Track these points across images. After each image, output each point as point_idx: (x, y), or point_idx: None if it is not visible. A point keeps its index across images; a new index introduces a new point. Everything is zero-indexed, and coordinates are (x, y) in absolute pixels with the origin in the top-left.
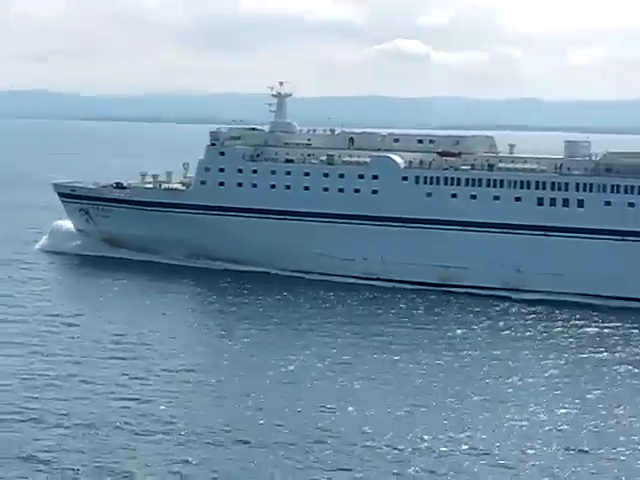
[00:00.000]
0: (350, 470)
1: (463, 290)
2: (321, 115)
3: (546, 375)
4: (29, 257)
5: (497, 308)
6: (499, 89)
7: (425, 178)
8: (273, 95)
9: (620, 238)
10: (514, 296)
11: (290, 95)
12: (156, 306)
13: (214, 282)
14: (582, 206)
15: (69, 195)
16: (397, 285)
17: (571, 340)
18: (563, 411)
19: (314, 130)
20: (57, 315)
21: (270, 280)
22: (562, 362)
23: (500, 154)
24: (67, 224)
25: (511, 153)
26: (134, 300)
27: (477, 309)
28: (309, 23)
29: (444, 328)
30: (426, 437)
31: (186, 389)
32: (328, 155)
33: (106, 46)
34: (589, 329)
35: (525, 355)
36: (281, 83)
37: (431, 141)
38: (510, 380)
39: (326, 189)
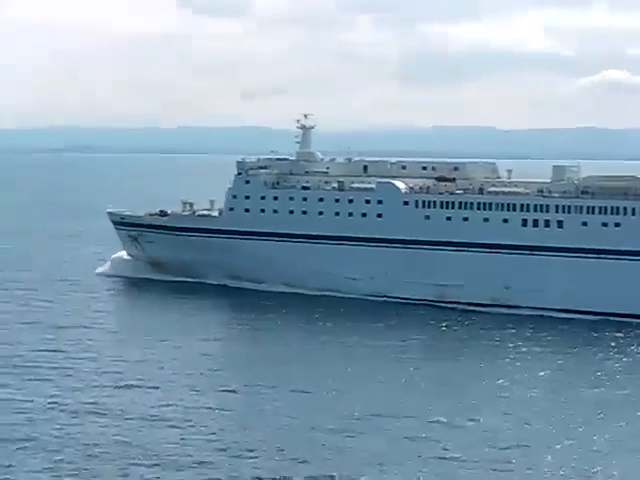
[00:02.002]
0: None
1: (457, 306)
2: (531, 147)
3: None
4: (89, 280)
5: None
6: None
7: (424, 202)
8: (298, 127)
9: (596, 256)
10: (503, 311)
11: (313, 127)
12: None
13: (239, 301)
14: (562, 227)
15: (120, 223)
16: (404, 301)
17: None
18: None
19: (334, 159)
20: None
21: (289, 299)
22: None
23: (498, 179)
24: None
25: (509, 178)
26: (170, 317)
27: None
28: (517, 56)
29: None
30: None
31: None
32: (339, 182)
33: (319, 82)
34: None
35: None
36: (305, 116)
37: (433, 168)
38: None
39: (337, 213)
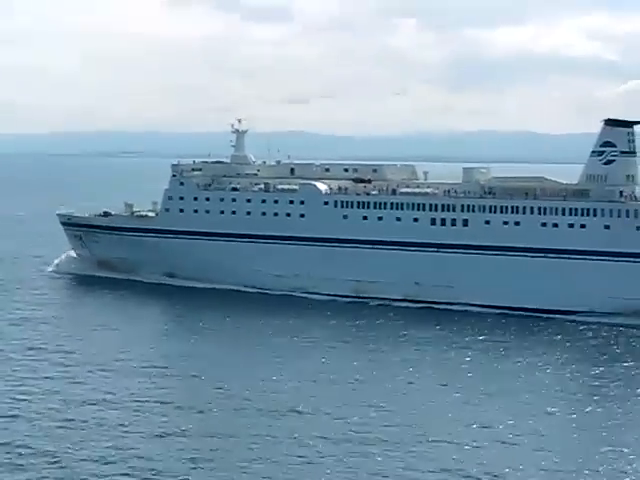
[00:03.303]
0: None
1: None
2: (574, 152)
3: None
4: (41, 277)
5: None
6: None
7: (342, 202)
8: (232, 132)
9: (498, 253)
10: (412, 305)
11: (247, 131)
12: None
13: (175, 297)
14: (467, 225)
15: (67, 223)
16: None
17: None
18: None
19: (264, 162)
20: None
21: (221, 295)
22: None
23: (415, 181)
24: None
25: (425, 180)
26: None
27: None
28: (559, 60)
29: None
30: None
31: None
32: (265, 183)
33: (363, 87)
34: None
35: None
36: (239, 120)
37: (354, 170)
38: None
39: (264, 213)
